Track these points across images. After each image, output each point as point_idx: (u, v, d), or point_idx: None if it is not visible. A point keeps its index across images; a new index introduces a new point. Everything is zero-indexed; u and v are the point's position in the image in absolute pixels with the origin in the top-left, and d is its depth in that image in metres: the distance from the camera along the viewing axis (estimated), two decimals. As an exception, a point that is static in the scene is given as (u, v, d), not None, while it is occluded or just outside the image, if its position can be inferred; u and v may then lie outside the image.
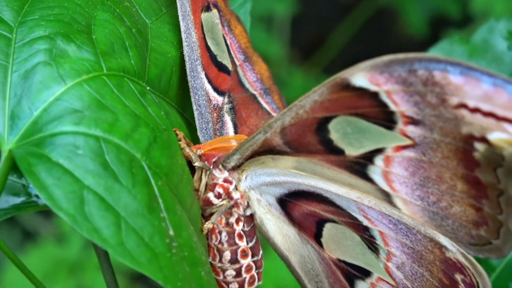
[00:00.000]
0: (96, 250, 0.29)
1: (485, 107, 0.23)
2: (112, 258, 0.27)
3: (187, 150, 0.27)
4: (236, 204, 0.27)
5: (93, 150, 0.23)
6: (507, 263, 0.35)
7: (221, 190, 0.27)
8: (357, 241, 0.27)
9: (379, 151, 0.25)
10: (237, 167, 0.27)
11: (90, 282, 0.74)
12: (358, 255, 0.27)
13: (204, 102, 0.29)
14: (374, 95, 0.24)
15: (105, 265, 0.29)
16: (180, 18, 0.29)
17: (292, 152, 0.26)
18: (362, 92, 0.24)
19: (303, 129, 0.25)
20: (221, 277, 0.28)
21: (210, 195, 0.27)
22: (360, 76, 0.24)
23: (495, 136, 0.23)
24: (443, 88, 0.23)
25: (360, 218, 0.27)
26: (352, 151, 0.25)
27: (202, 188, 0.27)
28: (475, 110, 0.23)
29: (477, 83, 0.23)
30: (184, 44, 0.29)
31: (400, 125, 0.24)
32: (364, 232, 0.27)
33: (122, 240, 0.22)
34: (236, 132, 0.30)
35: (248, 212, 0.28)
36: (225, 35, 0.31)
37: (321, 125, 0.25)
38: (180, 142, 0.27)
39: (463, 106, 0.23)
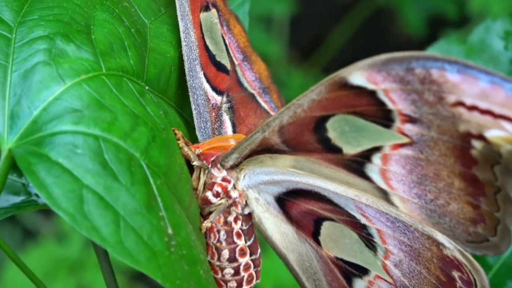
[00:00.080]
0: (96, 249, 0.29)
1: (483, 105, 0.23)
2: (112, 257, 0.27)
3: (186, 149, 0.27)
4: (234, 203, 0.27)
5: (92, 149, 0.23)
6: (504, 262, 0.35)
7: (219, 189, 0.27)
8: (354, 239, 0.27)
9: (376, 149, 0.25)
10: (235, 166, 0.27)
11: (90, 281, 0.74)
12: (356, 253, 0.27)
13: (202, 101, 0.29)
14: (372, 94, 0.24)
15: (104, 264, 0.29)
16: (179, 18, 0.29)
17: (290, 151, 0.26)
18: (360, 90, 0.24)
19: (301, 127, 0.25)
20: (220, 275, 0.28)
21: (209, 194, 0.27)
22: (358, 74, 0.24)
23: (492, 134, 0.23)
24: (440, 86, 0.23)
25: (358, 216, 0.27)
26: (350, 149, 0.26)
27: (200, 187, 0.27)
28: (473, 108, 0.23)
29: (474, 81, 0.23)
30: (183, 44, 0.29)
31: (397, 123, 0.24)
32: (362, 230, 0.27)
33: (121, 239, 0.22)
34: (234, 131, 0.30)
35: (246, 211, 0.28)
36: (224, 35, 0.31)
37: (319, 124, 0.25)
38: (178, 142, 0.27)
39: (461, 104, 0.23)
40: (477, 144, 0.24)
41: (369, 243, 0.27)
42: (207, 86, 0.29)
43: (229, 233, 0.28)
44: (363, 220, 0.27)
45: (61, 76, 0.24)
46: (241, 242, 0.28)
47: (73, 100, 0.23)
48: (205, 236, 0.27)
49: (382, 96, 0.24)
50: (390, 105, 0.24)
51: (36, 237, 0.83)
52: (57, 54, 0.24)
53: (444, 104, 0.23)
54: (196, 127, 0.29)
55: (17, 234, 0.86)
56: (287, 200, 0.27)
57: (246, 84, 0.31)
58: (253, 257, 0.28)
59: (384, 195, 0.26)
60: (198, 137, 0.29)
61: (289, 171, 0.27)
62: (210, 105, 0.29)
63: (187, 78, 0.29)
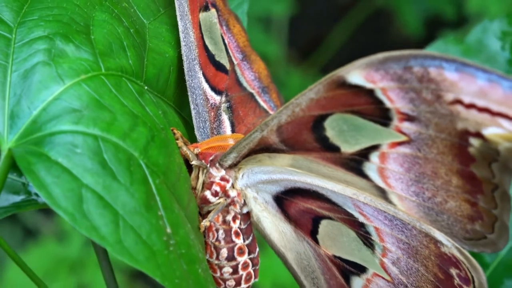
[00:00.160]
0: (95, 248, 0.29)
1: (480, 102, 0.23)
2: (111, 256, 0.27)
3: (185, 148, 0.27)
4: (233, 202, 0.27)
5: (91, 149, 0.23)
6: (501, 260, 0.35)
7: (218, 188, 0.27)
8: (352, 237, 0.27)
9: (374, 147, 0.25)
10: (234, 166, 0.27)
11: (90, 280, 0.74)
12: (354, 251, 0.27)
13: (201, 101, 0.29)
14: (370, 92, 0.24)
15: (104, 263, 0.29)
16: (178, 18, 0.29)
17: (289, 150, 0.26)
18: (357, 89, 0.24)
19: (299, 127, 0.25)
20: (218, 274, 0.28)
21: (207, 193, 0.27)
22: (356, 73, 0.24)
23: (490, 131, 0.23)
24: (438, 85, 0.23)
25: (356, 214, 0.27)
26: (348, 148, 0.26)
27: (199, 186, 0.27)
28: (470, 106, 0.23)
29: (472, 79, 0.23)
30: (182, 44, 0.29)
31: (395, 122, 0.24)
32: (360, 228, 0.27)
33: (120, 238, 0.22)
34: (233, 131, 0.30)
35: (244, 210, 0.28)
36: (223, 34, 0.31)
37: (317, 123, 0.25)
38: (177, 141, 0.27)
39: (458, 102, 0.23)
40: (475, 142, 0.24)
41: (367, 241, 0.27)
42: (206, 86, 0.29)
43: (228, 232, 0.28)
44: (361, 218, 0.27)
45: (61, 76, 0.24)
46: (239, 241, 0.28)
47: (73, 100, 0.23)
48: (204, 235, 0.27)
49: (380, 95, 0.24)
50: (388, 104, 0.24)
51: (37, 236, 0.84)
52: (56, 54, 0.24)
53: (442, 102, 0.23)
54: (195, 126, 0.29)
55: (17, 233, 0.86)
56: (285, 199, 0.27)
57: (245, 84, 0.31)
58: (251, 256, 0.28)
59: (382, 193, 0.26)
60: (197, 136, 0.29)
61: (287, 170, 0.27)
62: (209, 105, 0.29)
63: (186, 78, 0.29)
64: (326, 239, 0.28)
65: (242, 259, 0.28)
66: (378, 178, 0.26)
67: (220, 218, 0.28)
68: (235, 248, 0.28)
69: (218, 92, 0.30)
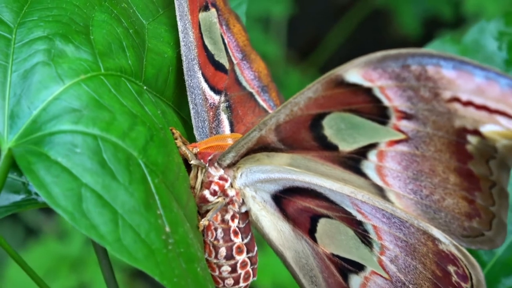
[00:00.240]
0: (95, 247, 0.30)
1: (478, 100, 0.23)
2: (111, 254, 0.27)
3: (183, 148, 0.27)
4: (231, 201, 0.28)
5: (91, 149, 0.23)
6: (498, 259, 0.35)
7: (216, 188, 0.27)
8: (350, 235, 0.27)
9: (372, 146, 0.25)
10: (232, 165, 0.27)
11: (91, 278, 0.74)
12: (352, 249, 0.27)
13: (200, 101, 0.29)
14: (368, 91, 0.24)
15: (103, 261, 0.30)
16: (178, 18, 0.29)
17: (287, 149, 0.26)
18: (356, 88, 0.24)
19: (298, 126, 0.25)
20: (217, 273, 0.28)
21: (206, 193, 0.27)
22: (354, 72, 0.24)
23: (487, 129, 0.23)
24: (436, 83, 0.23)
25: (354, 212, 0.27)
26: (346, 146, 0.26)
27: (198, 185, 0.27)
28: (468, 104, 0.23)
29: (469, 77, 0.23)
30: (182, 43, 0.29)
31: (393, 120, 0.25)
32: (358, 227, 0.27)
33: (119, 237, 0.22)
34: (232, 130, 0.30)
35: (243, 209, 0.28)
36: (223, 34, 0.31)
37: (315, 122, 0.25)
38: (176, 141, 0.27)
39: (456, 99, 0.23)
40: (472, 139, 0.24)
41: (365, 239, 0.27)
42: (205, 86, 0.29)
43: (226, 231, 0.28)
44: (359, 217, 0.27)
45: (60, 76, 0.24)
46: (238, 240, 0.28)
47: (72, 100, 0.24)
48: (203, 234, 0.28)
49: (378, 93, 0.24)
50: (386, 102, 0.24)
51: (38, 235, 0.84)
52: (56, 55, 0.24)
53: (440, 100, 0.24)
54: (193, 126, 0.29)
55: (19, 232, 0.86)
56: (284, 198, 0.28)
57: (244, 83, 0.31)
58: (250, 254, 0.28)
59: (380, 191, 0.26)
60: (196, 136, 0.29)
61: (285, 169, 0.27)
62: (208, 105, 0.30)
63: (185, 77, 0.29)
64: (324, 238, 0.28)
65: (240, 258, 0.28)
66: (376, 176, 0.26)
67: (219, 217, 0.28)
68: (234, 247, 0.28)
69: (217, 91, 0.30)
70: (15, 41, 0.25)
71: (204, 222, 0.27)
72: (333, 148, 0.26)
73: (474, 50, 0.37)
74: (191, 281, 0.23)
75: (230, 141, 0.28)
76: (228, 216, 0.28)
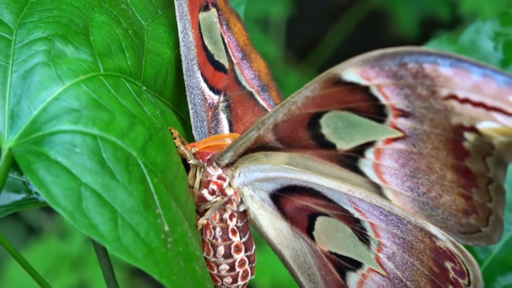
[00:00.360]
0: (95, 246, 0.30)
1: (475, 97, 0.23)
2: (111, 253, 0.28)
3: (182, 148, 0.27)
4: (229, 201, 0.28)
5: (90, 148, 0.23)
6: (494, 257, 0.35)
7: (215, 187, 0.27)
8: (348, 233, 0.27)
9: (369, 144, 0.25)
10: (230, 164, 0.27)
11: (91, 277, 0.74)
12: (350, 247, 0.27)
13: (199, 101, 0.29)
14: (365, 89, 0.24)
15: (103, 260, 0.30)
16: (178, 18, 0.29)
17: (285, 148, 0.26)
18: (353, 86, 0.24)
19: (295, 125, 0.26)
20: (215, 271, 0.28)
21: (205, 192, 0.27)
22: (351, 71, 0.24)
23: (484, 126, 0.24)
24: (433, 80, 0.23)
25: (351, 210, 0.27)
26: (343, 145, 0.26)
27: (196, 185, 0.27)
28: (465, 101, 0.23)
29: (466, 74, 0.23)
30: (181, 44, 0.29)
31: (390, 118, 0.25)
32: (355, 224, 0.27)
33: (118, 236, 0.22)
34: (231, 130, 0.30)
35: (241, 208, 0.28)
36: (223, 34, 0.31)
37: (313, 121, 0.25)
38: (175, 141, 0.27)
39: (453, 97, 0.23)
40: (469, 136, 0.24)
41: (362, 236, 0.27)
42: (204, 86, 0.29)
43: (225, 230, 0.28)
44: (357, 214, 0.27)
45: (60, 76, 0.24)
46: (236, 239, 0.28)
47: (72, 100, 0.24)
48: (201, 233, 0.28)
49: (375, 92, 0.24)
50: (383, 100, 0.24)
51: (39, 234, 0.84)
52: (56, 55, 0.24)
53: (437, 98, 0.24)
54: (192, 126, 0.29)
55: (20, 231, 0.86)
56: (282, 197, 0.28)
57: (244, 83, 0.31)
58: (248, 253, 0.28)
59: (377, 189, 0.26)
60: (195, 136, 0.29)
61: (283, 168, 0.27)
62: (207, 104, 0.30)
63: (185, 77, 0.29)
64: (322, 236, 0.28)
65: (239, 257, 0.28)
66: (373, 174, 0.26)
67: (217, 216, 0.28)
68: (232, 246, 0.28)
69: (216, 91, 0.30)
70: (15, 42, 0.25)
71: (202, 221, 0.27)
72: (331, 146, 0.26)
73: (470, 50, 0.37)
74: (189, 280, 0.23)
75: (228, 141, 0.28)
76: (226, 215, 0.28)
